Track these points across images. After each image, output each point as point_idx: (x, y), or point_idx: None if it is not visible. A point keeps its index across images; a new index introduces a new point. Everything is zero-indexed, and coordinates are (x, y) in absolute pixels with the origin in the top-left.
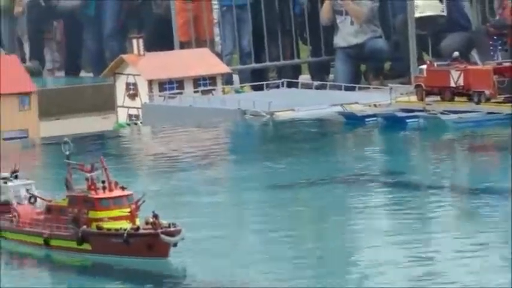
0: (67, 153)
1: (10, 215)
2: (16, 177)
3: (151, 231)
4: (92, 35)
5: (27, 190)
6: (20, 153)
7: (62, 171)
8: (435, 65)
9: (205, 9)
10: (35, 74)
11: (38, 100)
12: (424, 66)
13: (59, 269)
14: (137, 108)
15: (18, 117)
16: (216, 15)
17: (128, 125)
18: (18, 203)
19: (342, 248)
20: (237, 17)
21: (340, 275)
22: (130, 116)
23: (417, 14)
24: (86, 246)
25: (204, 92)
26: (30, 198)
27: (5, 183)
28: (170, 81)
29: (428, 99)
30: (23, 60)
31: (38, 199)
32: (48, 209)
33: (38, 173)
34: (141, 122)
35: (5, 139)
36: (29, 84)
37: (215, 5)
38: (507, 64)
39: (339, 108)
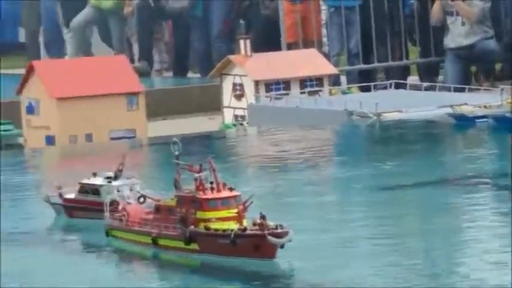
0: (176, 153)
1: (119, 214)
2: (120, 176)
3: (259, 232)
4: (199, 36)
5: (131, 189)
6: (127, 152)
7: (168, 171)
8: None
9: (313, 10)
10: (143, 74)
11: (146, 100)
12: None
13: (166, 268)
14: (243, 108)
15: (126, 117)
16: (324, 16)
17: (234, 125)
18: (128, 203)
19: (450, 250)
20: (346, 18)
21: (447, 276)
22: (236, 116)
23: None
24: (194, 246)
25: (310, 93)
26: (139, 197)
27: (109, 182)
28: (277, 82)
29: None
30: (132, 61)
31: (147, 198)
32: (157, 209)
33: (145, 172)
34: (247, 123)
35: (112, 138)
36: (137, 85)
37: (323, 6)
38: None
39: (448, 110)
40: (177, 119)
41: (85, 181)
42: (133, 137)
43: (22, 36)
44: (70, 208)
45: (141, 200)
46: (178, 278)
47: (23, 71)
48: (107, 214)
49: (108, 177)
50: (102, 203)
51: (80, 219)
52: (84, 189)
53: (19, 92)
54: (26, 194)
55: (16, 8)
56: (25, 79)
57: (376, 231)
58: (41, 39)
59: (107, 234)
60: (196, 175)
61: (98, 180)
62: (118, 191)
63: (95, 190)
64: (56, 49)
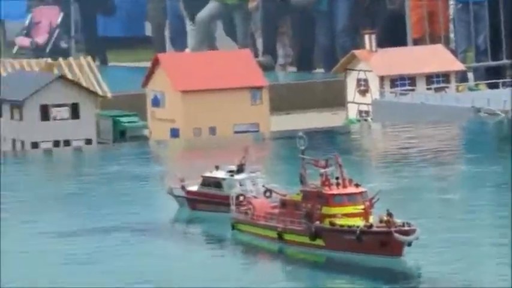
0: (302, 148)
1: (245, 208)
2: (242, 170)
3: (385, 229)
4: (324, 30)
5: (254, 183)
6: (250, 146)
7: (292, 165)
8: None
9: (441, 5)
10: (267, 68)
11: (269, 95)
12: None
13: (292, 263)
14: (367, 104)
15: (250, 111)
16: (451, 11)
17: (358, 121)
18: (254, 196)
19: None
20: (474, 13)
21: None
22: (360, 112)
23: None
24: (319, 241)
25: (437, 89)
26: (265, 191)
27: (232, 176)
28: (402, 78)
29: None
30: (256, 55)
31: (273, 193)
32: (283, 203)
33: (269, 166)
34: (371, 119)
35: (236, 132)
36: (260, 79)
37: (451, 1)
38: None
39: None
40: (301, 113)
41: (208, 174)
42: (257, 131)
43: (148, 29)
44: (193, 201)
45: (267, 194)
46: (304, 274)
47: (148, 64)
48: (233, 207)
49: (230, 171)
50: (225, 196)
51: (203, 212)
52: (207, 182)
53: (145, 84)
54: (150, 185)
55: (142, 3)
56: (151, 72)
57: (504, 231)
58: (166, 33)
59: (233, 227)
60: (322, 170)
61: (221, 174)
62: (240, 184)
63: (217, 183)
64: (181, 42)
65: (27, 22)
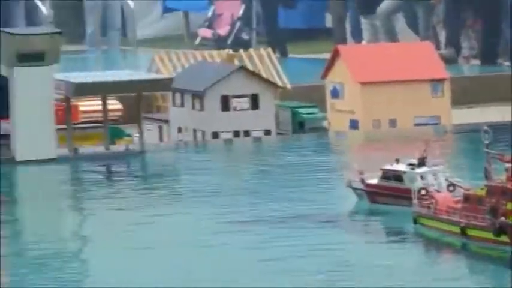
0: (486, 142)
1: (427, 202)
2: (423, 163)
3: None
4: (510, 23)
5: (435, 177)
6: (431, 139)
7: (475, 160)
8: None
9: None
10: (449, 61)
11: (451, 87)
12: None
13: (476, 259)
14: None
15: (430, 103)
16: None
17: None
18: (437, 190)
19: None
20: None
21: None
22: None
23: None
24: (504, 238)
25: None
26: (449, 185)
27: (412, 169)
28: None
29: None
30: (438, 48)
31: (457, 187)
32: (466, 198)
33: (451, 160)
34: None
35: (416, 125)
36: (442, 72)
37: None
38: None
39: None
40: (483, 107)
41: (388, 167)
42: (438, 123)
43: (329, 21)
44: (372, 194)
45: (451, 188)
46: (488, 271)
47: (328, 56)
48: (415, 201)
49: (411, 164)
50: (405, 189)
51: (382, 205)
52: (387, 175)
53: (324, 76)
54: (328, 176)
55: None
56: (330, 63)
57: None
58: (347, 25)
59: (415, 221)
60: (507, 165)
61: (401, 167)
62: (422, 178)
63: (398, 176)
64: (359, 35)
65: (209, 14)
